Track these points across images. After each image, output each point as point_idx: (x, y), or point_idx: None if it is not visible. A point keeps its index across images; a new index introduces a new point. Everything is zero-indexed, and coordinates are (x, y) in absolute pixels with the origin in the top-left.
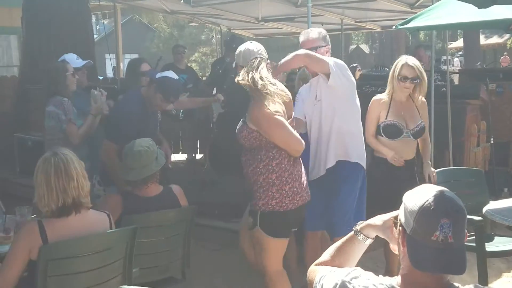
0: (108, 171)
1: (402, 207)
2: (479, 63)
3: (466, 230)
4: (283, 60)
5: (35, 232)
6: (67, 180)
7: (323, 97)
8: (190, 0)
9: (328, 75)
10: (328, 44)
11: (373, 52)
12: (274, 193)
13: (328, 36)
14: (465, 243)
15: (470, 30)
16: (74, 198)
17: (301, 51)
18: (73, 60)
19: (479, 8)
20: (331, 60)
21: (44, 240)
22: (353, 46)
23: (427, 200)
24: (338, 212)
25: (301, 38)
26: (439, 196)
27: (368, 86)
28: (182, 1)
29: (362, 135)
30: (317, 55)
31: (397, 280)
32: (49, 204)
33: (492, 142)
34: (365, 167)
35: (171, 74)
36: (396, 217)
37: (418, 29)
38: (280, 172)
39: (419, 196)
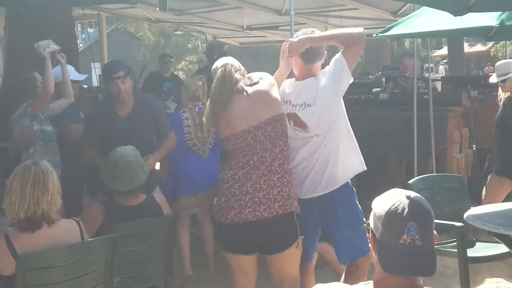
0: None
1: (371, 212)
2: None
3: (435, 233)
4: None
5: (3, 247)
6: (42, 192)
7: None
8: (166, 7)
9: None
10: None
11: (359, 60)
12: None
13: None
14: (447, 249)
15: (449, 37)
16: (44, 212)
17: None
18: (72, 72)
19: (454, 15)
20: None
21: (13, 254)
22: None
23: (394, 204)
24: (355, 231)
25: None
26: (405, 200)
27: (353, 94)
28: (158, 9)
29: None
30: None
31: (369, 286)
32: (19, 212)
33: (475, 148)
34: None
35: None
36: None
37: (398, 36)
38: (220, 183)
39: (386, 201)
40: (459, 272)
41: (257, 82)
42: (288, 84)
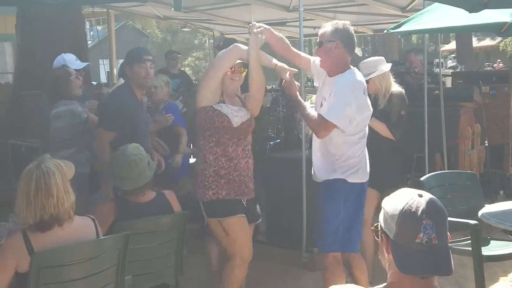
0: (96, 167)
1: (381, 213)
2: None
3: (448, 232)
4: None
5: (20, 244)
6: (47, 197)
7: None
8: (180, 7)
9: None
10: (339, 39)
11: (366, 55)
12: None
13: (344, 29)
14: (461, 248)
15: (461, 33)
16: (52, 215)
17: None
18: (72, 61)
19: (470, 12)
20: (332, 114)
21: (30, 251)
22: None
23: (407, 203)
24: (320, 226)
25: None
26: (418, 198)
27: None
28: (172, 9)
29: (364, 150)
30: (322, 124)
31: None
32: (27, 219)
33: (487, 144)
34: (364, 182)
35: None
36: None
37: (409, 33)
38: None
39: (398, 200)
40: (474, 271)
41: None
42: (356, 74)
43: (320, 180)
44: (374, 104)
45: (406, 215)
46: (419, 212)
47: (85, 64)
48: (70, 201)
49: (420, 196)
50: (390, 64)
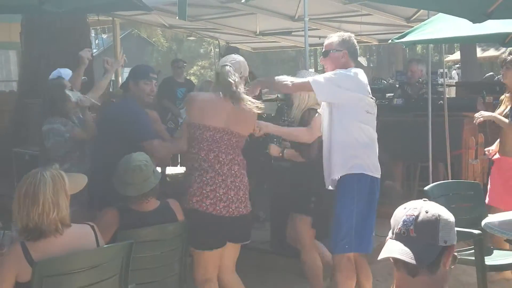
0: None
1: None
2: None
3: (447, 235)
4: (269, 83)
5: (19, 254)
6: (32, 204)
7: (324, 107)
8: (185, 15)
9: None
10: (346, 49)
11: (371, 65)
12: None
13: (350, 39)
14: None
15: (465, 43)
16: (37, 224)
17: (285, 81)
18: (68, 74)
19: (473, 23)
20: (315, 78)
21: (29, 261)
22: None
23: (405, 204)
24: (334, 228)
25: (324, 42)
26: (419, 201)
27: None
28: (177, 17)
29: (370, 145)
30: (296, 80)
31: None
32: (17, 222)
33: None
34: (376, 176)
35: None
36: None
37: (414, 43)
38: (201, 171)
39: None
40: (477, 280)
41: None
42: (361, 73)
43: (333, 183)
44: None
45: (397, 212)
46: (407, 208)
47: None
48: (58, 214)
49: (424, 200)
50: None
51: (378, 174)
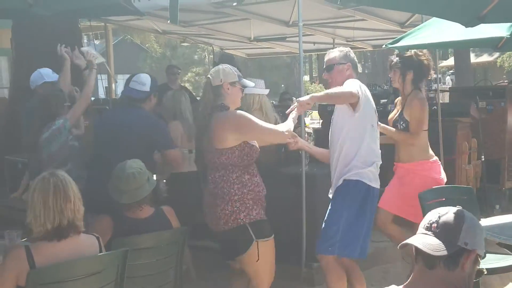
0: None
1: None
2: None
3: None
4: (319, 97)
5: (22, 257)
6: (65, 201)
7: (338, 115)
8: (177, 20)
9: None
10: (349, 61)
11: (366, 71)
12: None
13: (350, 53)
14: None
15: (459, 48)
16: (69, 220)
17: (334, 91)
18: (49, 74)
19: (466, 27)
20: (354, 87)
21: (31, 265)
22: None
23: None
24: (322, 228)
25: (325, 58)
26: (451, 207)
27: None
28: (168, 21)
29: (374, 154)
30: (338, 90)
31: None
32: (45, 224)
33: (483, 159)
34: (374, 186)
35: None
36: None
37: (407, 47)
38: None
39: None
40: None
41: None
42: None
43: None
44: None
45: (429, 212)
46: (438, 209)
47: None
48: (82, 210)
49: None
50: (267, 90)
51: (376, 185)
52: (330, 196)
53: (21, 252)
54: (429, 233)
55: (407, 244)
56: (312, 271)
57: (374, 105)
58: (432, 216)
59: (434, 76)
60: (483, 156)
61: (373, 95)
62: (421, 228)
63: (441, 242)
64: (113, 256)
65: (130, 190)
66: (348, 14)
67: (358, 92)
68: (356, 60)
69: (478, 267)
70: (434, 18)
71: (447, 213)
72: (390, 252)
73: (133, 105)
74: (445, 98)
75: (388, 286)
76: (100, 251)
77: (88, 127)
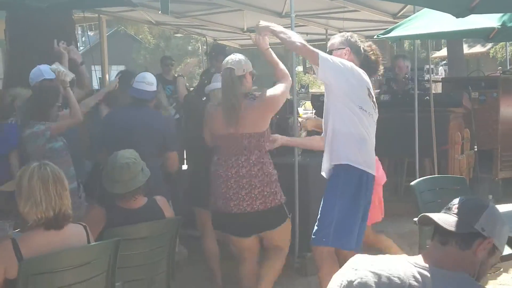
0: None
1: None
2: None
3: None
4: (281, 34)
5: (9, 250)
6: (63, 188)
7: (325, 96)
8: (168, 10)
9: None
10: (348, 46)
11: None
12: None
13: (351, 37)
14: None
15: (450, 39)
16: (66, 208)
17: (297, 41)
18: (47, 71)
19: (456, 17)
20: (323, 54)
21: (19, 257)
22: None
23: None
24: (318, 219)
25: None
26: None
27: None
28: (159, 12)
29: (366, 139)
30: (311, 48)
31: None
32: (48, 210)
33: (476, 149)
34: (368, 171)
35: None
36: None
37: (399, 38)
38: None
39: None
40: None
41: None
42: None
43: (326, 172)
44: None
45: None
46: (463, 197)
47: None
48: (71, 201)
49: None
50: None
51: (370, 170)
52: (323, 174)
53: (8, 244)
54: (449, 212)
55: (425, 217)
56: (305, 261)
57: (370, 92)
58: (457, 199)
59: (427, 66)
60: (475, 146)
61: None
62: (443, 209)
63: (458, 220)
64: (104, 246)
65: (124, 180)
66: (341, 5)
67: (318, 53)
68: (359, 45)
69: (493, 261)
70: (426, 9)
71: (472, 199)
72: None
73: (143, 104)
74: (437, 88)
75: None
76: (88, 240)
77: (87, 115)
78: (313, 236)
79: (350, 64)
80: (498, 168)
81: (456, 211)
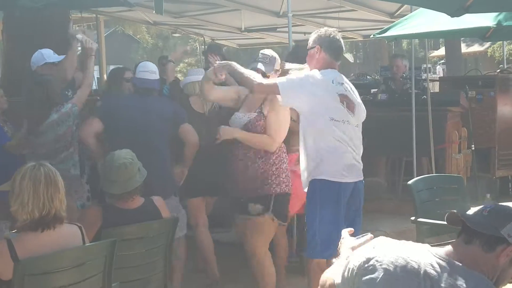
0: None
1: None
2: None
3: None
4: (238, 71)
5: (4, 251)
6: (55, 191)
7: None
8: (162, 10)
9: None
10: (318, 44)
11: (357, 61)
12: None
13: (325, 34)
14: None
15: (447, 38)
16: (57, 210)
17: (254, 80)
18: (50, 55)
19: (451, 16)
20: (282, 80)
21: (14, 258)
22: None
23: None
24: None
25: None
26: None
27: None
28: (153, 12)
29: (339, 149)
30: (269, 82)
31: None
32: (33, 212)
33: (473, 148)
34: (342, 181)
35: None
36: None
37: (395, 37)
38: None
39: None
40: None
41: None
42: (330, 71)
43: (304, 187)
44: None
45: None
46: (496, 203)
47: (61, 56)
48: (66, 204)
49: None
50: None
51: (349, 179)
52: (304, 189)
53: (3, 246)
54: (479, 214)
55: (453, 215)
56: (303, 260)
57: (342, 98)
58: (490, 204)
59: (424, 66)
60: (473, 145)
61: (364, 85)
62: (473, 210)
63: (485, 222)
64: (100, 247)
65: (122, 180)
66: (338, 5)
67: (276, 82)
68: (335, 41)
69: None
70: (422, 8)
71: (504, 206)
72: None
73: (148, 93)
74: (435, 87)
75: None
76: (83, 241)
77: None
78: (306, 249)
79: (312, 77)
80: (495, 167)
81: (486, 214)
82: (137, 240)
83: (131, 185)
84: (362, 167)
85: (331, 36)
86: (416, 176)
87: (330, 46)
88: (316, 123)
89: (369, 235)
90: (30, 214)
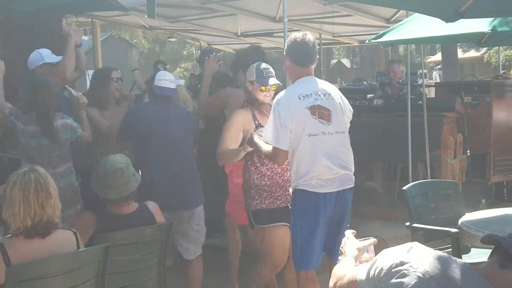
0: None
1: None
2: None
3: None
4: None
5: None
6: (46, 197)
7: None
8: (154, 14)
9: None
10: (287, 54)
11: (354, 66)
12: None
13: (293, 42)
14: None
15: (442, 43)
16: (49, 217)
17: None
18: (49, 55)
19: (446, 22)
20: (269, 136)
21: (7, 263)
22: (334, 61)
23: None
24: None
25: None
26: None
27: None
28: (145, 16)
29: (317, 160)
30: (270, 149)
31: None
32: (25, 220)
33: (469, 154)
34: (321, 192)
35: None
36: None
37: (391, 43)
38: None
39: None
40: None
41: None
42: (300, 83)
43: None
44: None
45: None
46: None
47: (60, 57)
48: (60, 207)
49: None
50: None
51: (329, 189)
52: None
53: None
54: None
55: (491, 236)
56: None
57: (313, 109)
58: None
59: (420, 71)
60: (468, 151)
61: (360, 90)
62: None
63: None
64: (93, 252)
65: (118, 185)
66: (334, 10)
67: (271, 144)
68: (299, 45)
69: None
70: (417, 14)
71: None
72: None
73: (168, 101)
74: (431, 93)
75: None
76: (78, 246)
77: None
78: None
79: (277, 111)
80: (491, 173)
81: None
82: (131, 246)
83: (127, 190)
84: (351, 172)
85: (294, 41)
86: (412, 182)
87: (294, 54)
88: (296, 140)
89: (373, 239)
90: (22, 222)
